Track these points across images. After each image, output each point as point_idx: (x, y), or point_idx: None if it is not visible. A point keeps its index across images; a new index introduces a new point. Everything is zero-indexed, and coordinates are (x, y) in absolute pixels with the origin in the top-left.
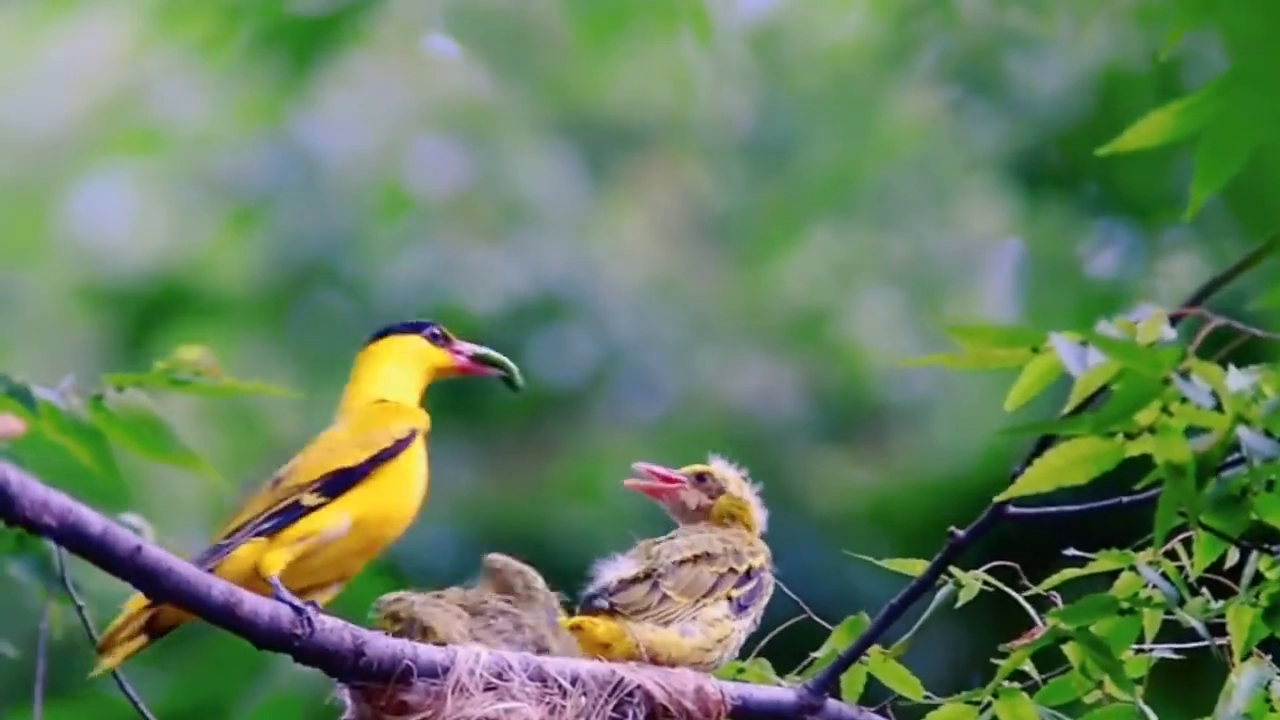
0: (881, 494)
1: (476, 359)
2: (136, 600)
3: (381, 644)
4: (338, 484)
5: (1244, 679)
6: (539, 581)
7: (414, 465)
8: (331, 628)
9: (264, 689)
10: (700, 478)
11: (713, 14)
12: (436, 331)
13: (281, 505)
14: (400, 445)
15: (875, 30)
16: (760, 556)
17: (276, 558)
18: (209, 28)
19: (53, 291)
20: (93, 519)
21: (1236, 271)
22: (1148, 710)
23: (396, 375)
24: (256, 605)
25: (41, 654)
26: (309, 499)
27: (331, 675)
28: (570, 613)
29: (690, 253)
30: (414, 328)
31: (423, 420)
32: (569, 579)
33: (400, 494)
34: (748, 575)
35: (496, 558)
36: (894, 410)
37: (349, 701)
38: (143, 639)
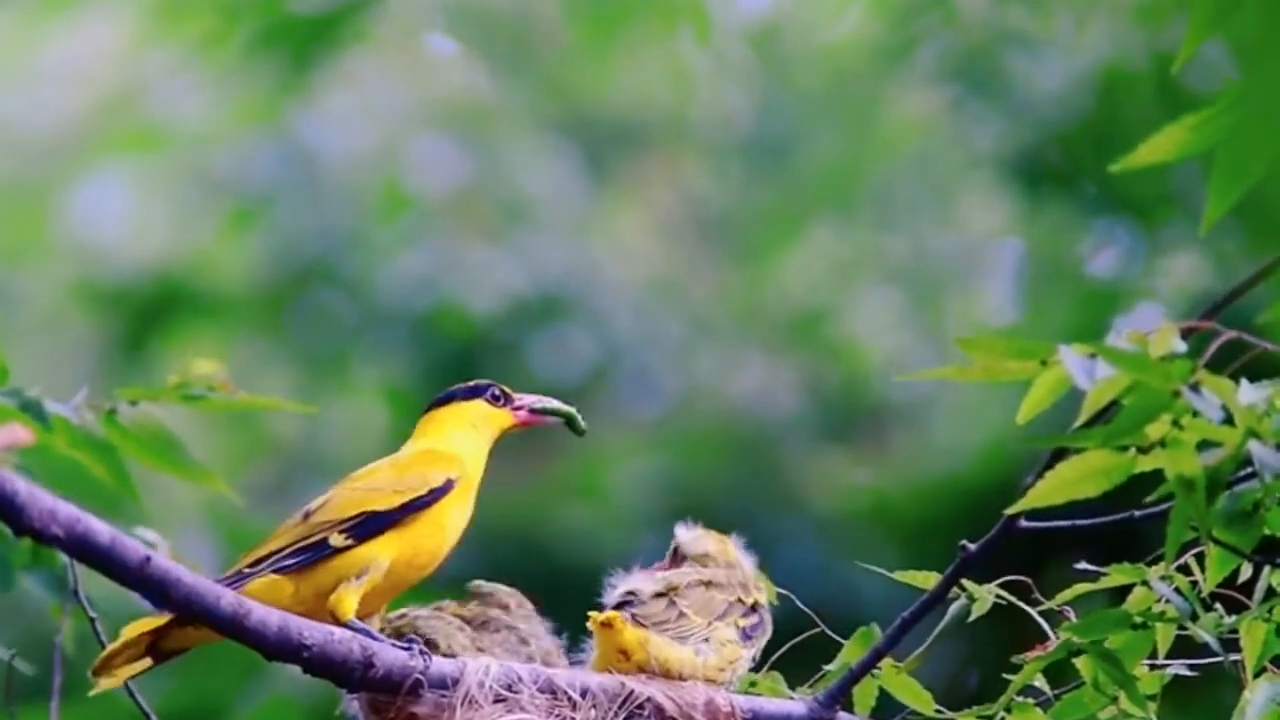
0: (881, 494)
1: (536, 411)
2: (134, 626)
3: (390, 655)
4: (369, 526)
5: (1258, 695)
6: (529, 604)
7: (447, 514)
8: (340, 639)
9: (263, 691)
10: (675, 553)
11: (712, 13)
12: (497, 392)
13: (309, 541)
14: (435, 495)
15: (875, 29)
16: (763, 594)
17: (349, 602)
18: (208, 27)
19: (52, 291)
20: (101, 529)
21: (1249, 285)
22: None
23: (459, 438)
24: (265, 616)
25: (57, 670)
26: (337, 539)
27: (340, 686)
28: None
29: (690, 252)
30: (474, 392)
31: (461, 469)
32: (570, 578)
33: (429, 540)
34: (753, 608)
35: (482, 583)
36: (894, 410)
37: (358, 713)
38: (147, 661)
